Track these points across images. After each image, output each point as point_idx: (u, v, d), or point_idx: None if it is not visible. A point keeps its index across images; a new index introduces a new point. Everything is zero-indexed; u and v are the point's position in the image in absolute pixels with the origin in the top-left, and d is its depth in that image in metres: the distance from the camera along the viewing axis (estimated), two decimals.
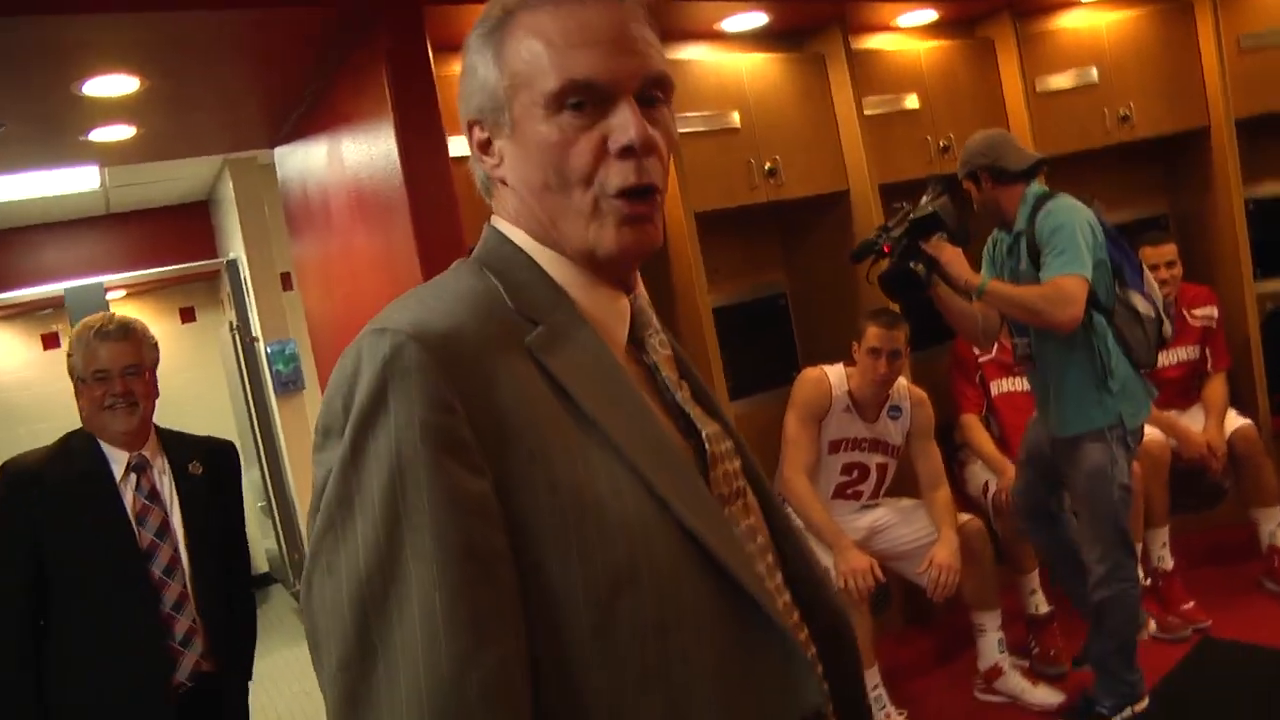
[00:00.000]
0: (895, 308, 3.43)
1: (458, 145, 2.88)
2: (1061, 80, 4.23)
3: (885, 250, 2.90)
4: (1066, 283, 2.86)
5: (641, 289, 1.02)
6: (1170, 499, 3.88)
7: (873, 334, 3.27)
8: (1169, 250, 3.92)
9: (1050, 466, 3.25)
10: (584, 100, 0.90)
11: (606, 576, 0.84)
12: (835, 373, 3.40)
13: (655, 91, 0.94)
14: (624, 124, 0.90)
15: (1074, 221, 2.96)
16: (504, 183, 0.97)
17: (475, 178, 1.01)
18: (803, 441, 3.33)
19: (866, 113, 3.75)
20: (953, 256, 2.91)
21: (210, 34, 2.58)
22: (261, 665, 5.46)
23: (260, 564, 7.41)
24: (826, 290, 3.95)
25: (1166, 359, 3.99)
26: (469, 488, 0.81)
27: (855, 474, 3.43)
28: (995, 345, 3.74)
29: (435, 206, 2.74)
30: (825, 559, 3.13)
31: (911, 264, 2.90)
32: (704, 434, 0.97)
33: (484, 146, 0.97)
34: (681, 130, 3.33)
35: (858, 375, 3.35)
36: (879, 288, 2.97)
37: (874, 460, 3.43)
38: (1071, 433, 3.05)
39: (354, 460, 0.82)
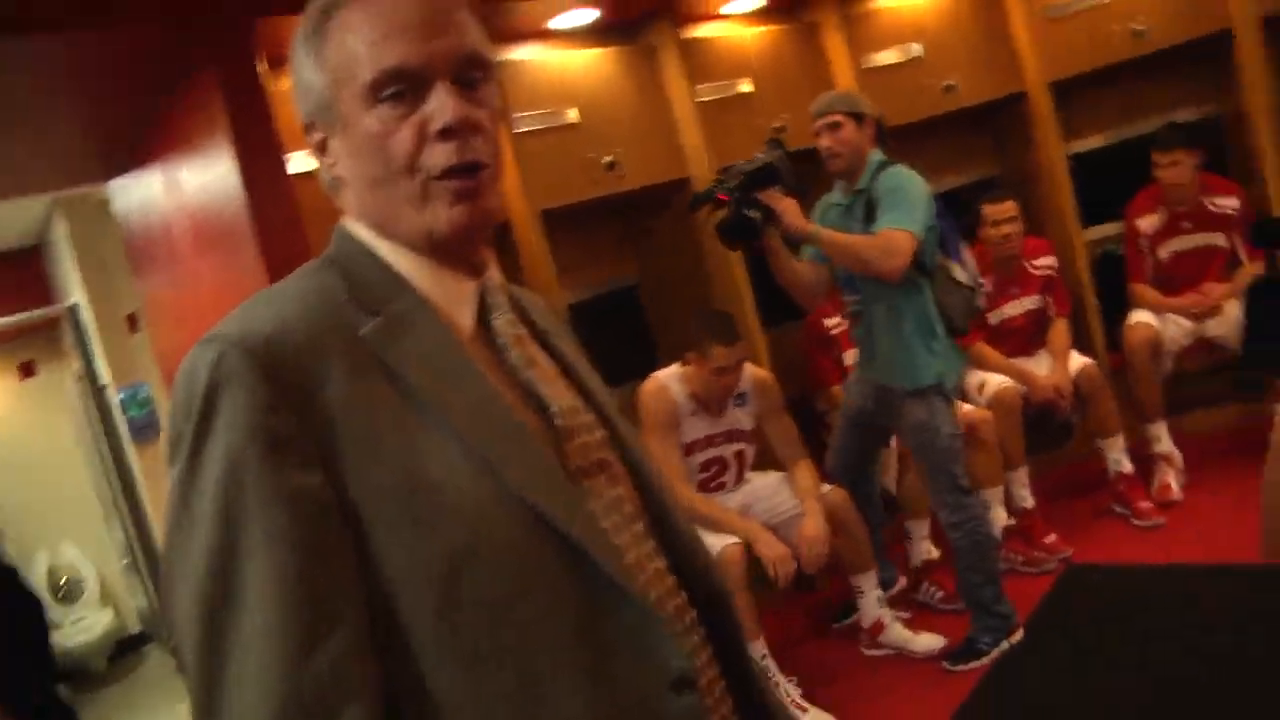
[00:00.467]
0: (736, 254, 3.52)
1: (298, 162, 2.90)
2: (888, 56, 4.46)
3: (722, 199, 3.01)
4: (895, 235, 3.06)
5: (495, 271, 1.06)
6: (1025, 441, 4.14)
7: (719, 354, 3.29)
8: (1010, 206, 4.17)
9: (871, 425, 3.50)
10: (400, 89, 0.93)
11: (445, 557, 0.88)
12: (673, 378, 3.42)
13: (473, 73, 0.97)
14: (441, 107, 0.93)
15: (914, 185, 3.18)
16: (343, 180, 1.00)
17: (322, 180, 1.04)
18: (671, 458, 3.34)
19: (700, 100, 3.88)
20: (787, 206, 3.05)
21: (27, 62, 2.54)
22: None
23: (132, 624, 7.16)
24: (677, 278, 4.07)
25: (1014, 309, 4.30)
26: (298, 483, 0.86)
27: (715, 469, 3.50)
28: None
29: (281, 227, 2.74)
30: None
31: (747, 212, 3.01)
32: (552, 409, 1.00)
33: (321, 147, 1.01)
34: (519, 130, 3.42)
35: (698, 380, 3.39)
36: (718, 237, 3.06)
37: (730, 450, 3.50)
38: (901, 384, 3.28)
39: (191, 467, 0.87)
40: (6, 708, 2.42)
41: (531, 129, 3.49)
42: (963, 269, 3.34)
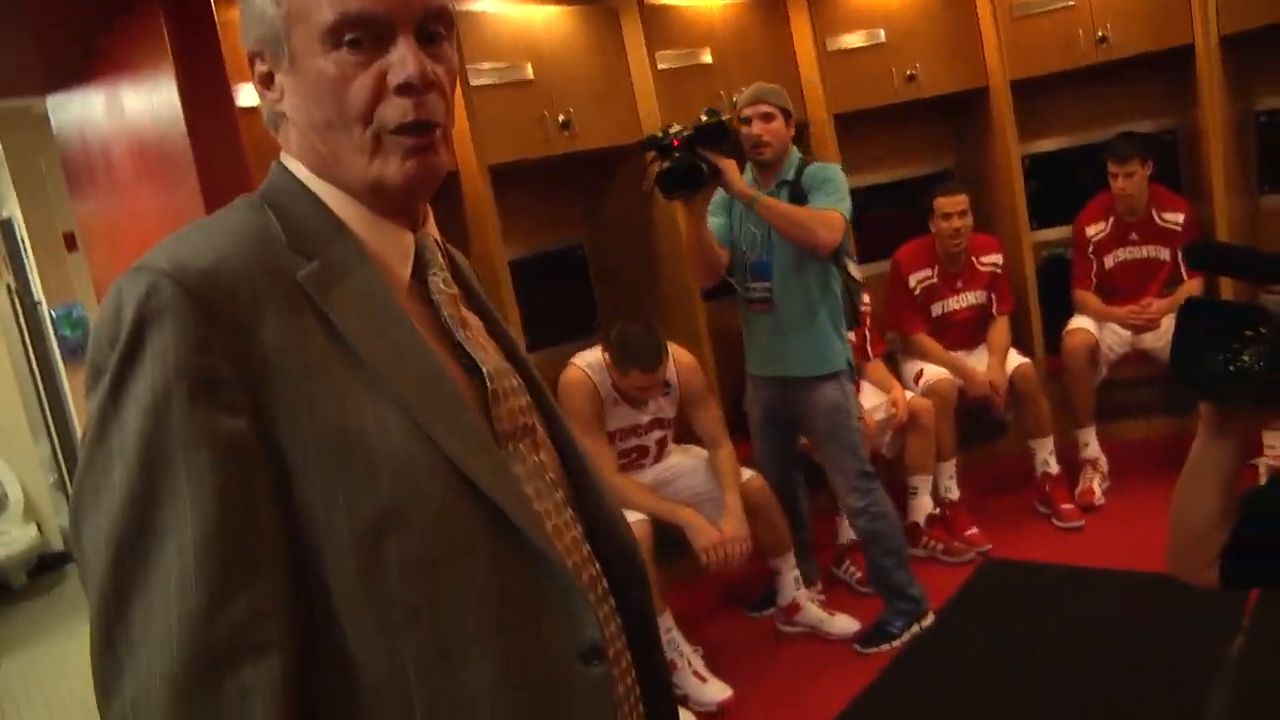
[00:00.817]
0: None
1: (245, 95, 2.83)
2: (852, 40, 4.46)
3: (674, 144, 3.01)
4: (833, 214, 3.19)
5: (432, 226, 1.04)
6: (957, 433, 4.23)
7: (638, 378, 3.23)
8: (961, 200, 4.20)
9: (784, 425, 3.55)
10: (360, 36, 0.91)
11: (372, 516, 0.87)
12: (595, 366, 3.33)
13: (436, 27, 0.95)
14: (402, 60, 0.91)
15: (843, 178, 3.30)
16: (285, 117, 0.97)
17: (263, 113, 1.01)
18: (598, 446, 3.28)
19: (660, 67, 3.85)
20: (730, 166, 3.09)
21: None
22: (59, 647, 5.30)
23: (56, 541, 7.09)
24: (624, 242, 4.06)
25: (957, 303, 4.35)
26: (225, 427, 0.83)
27: (634, 455, 3.50)
28: None
29: (222, 160, 2.70)
30: None
31: (698, 161, 3.02)
32: (485, 370, 1.00)
33: (265, 80, 0.97)
34: (474, 82, 3.36)
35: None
36: (658, 185, 3.04)
37: (652, 439, 3.50)
38: (813, 373, 3.35)
39: (113, 399, 0.84)
40: None
41: (487, 82, 3.44)
42: (856, 266, 3.52)
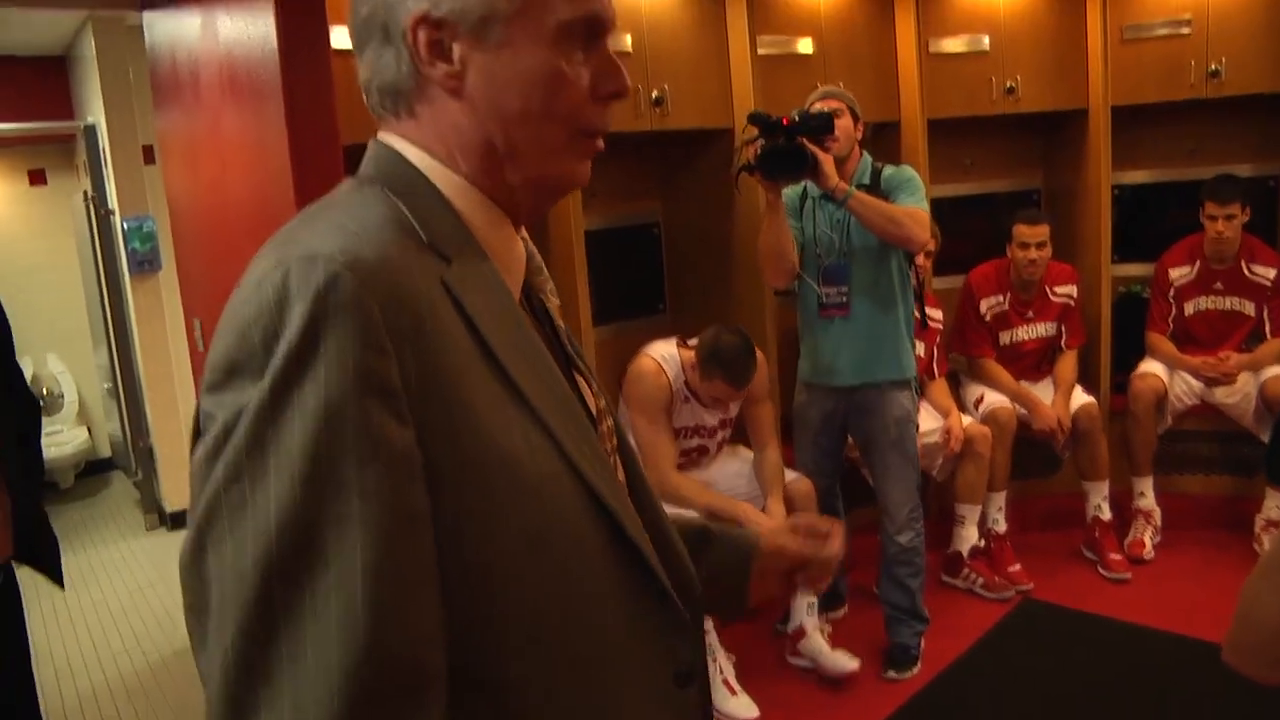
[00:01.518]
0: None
1: (340, 37, 2.80)
2: (954, 44, 4.33)
3: (784, 123, 2.95)
4: (921, 212, 3.16)
5: (524, 231, 0.98)
6: (1011, 465, 4.11)
7: (722, 391, 3.20)
8: (1042, 231, 4.07)
9: (844, 432, 3.47)
10: (588, 37, 0.88)
11: (520, 538, 0.82)
12: (671, 360, 3.29)
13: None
14: (617, 71, 0.90)
15: (922, 183, 3.25)
16: (455, 95, 0.88)
17: (373, 78, 0.90)
18: (661, 439, 3.24)
19: (760, 52, 3.76)
20: (828, 160, 3.02)
21: None
22: (97, 556, 5.38)
23: (103, 448, 7.19)
24: (700, 225, 3.98)
25: (1026, 333, 4.22)
26: (396, 440, 0.75)
27: (695, 454, 3.45)
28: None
29: (312, 99, 2.66)
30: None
31: (803, 147, 2.95)
32: (592, 389, 0.97)
33: (435, 48, 0.87)
34: (770, 51, 3.39)
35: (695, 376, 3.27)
36: (759, 165, 2.96)
37: (715, 441, 3.44)
38: (889, 378, 3.29)
39: (274, 406, 0.73)
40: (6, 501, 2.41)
41: None
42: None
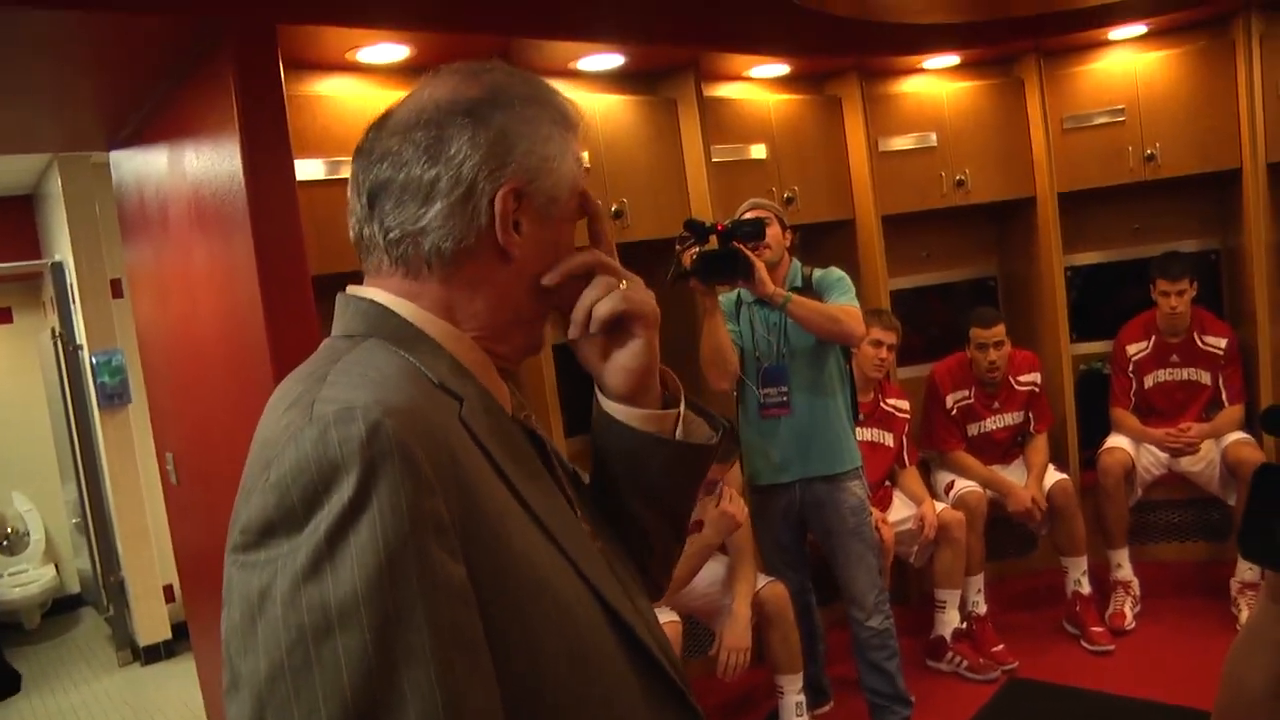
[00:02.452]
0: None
1: (305, 168, 2.93)
2: (903, 142, 4.48)
3: (719, 229, 3.02)
4: (855, 309, 3.29)
5: None
6: (986, 545, 4.16)
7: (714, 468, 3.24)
8: (998, 330, 4.16)
9: (803, 528, 3.50)
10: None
11: (563, 659, 0.84)
12: None
13: None
14: (582, 254, 1.03)
15: (851, 283, 3.38)
16: (507, 258, 0.95)
17: (420, 232, 0.93)
18: None
19: (715, 160, 3.86)
20: (761, 266, 3.10)
21: (48, 32, 2.51)
22: (69, 698, 5.25)
23: (71, 584, 7.05)
24: (665, 334, 3.98)
25: (994, 423, 4.30)
26: (453, 575, 0.77)
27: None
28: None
29: (279, 228, 2.71)
30: None
31: (739, 252, 3.03)
32: (582, 511, 1.02)
33: (514, 215, 0.95)
34: (724, 159, 3.48)
35: None
36: (696, 270, 3.00)
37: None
38: (838, 470, 3.34)
39: (328, 560, 0.74)
40: None
41: None
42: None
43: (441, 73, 0.98)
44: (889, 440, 4.02)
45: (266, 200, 2.69)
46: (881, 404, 4.00)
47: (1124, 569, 4.24)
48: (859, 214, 4.37)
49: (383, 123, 0.97)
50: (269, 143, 2.69)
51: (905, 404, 4.09)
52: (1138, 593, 4.24)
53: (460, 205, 0.92)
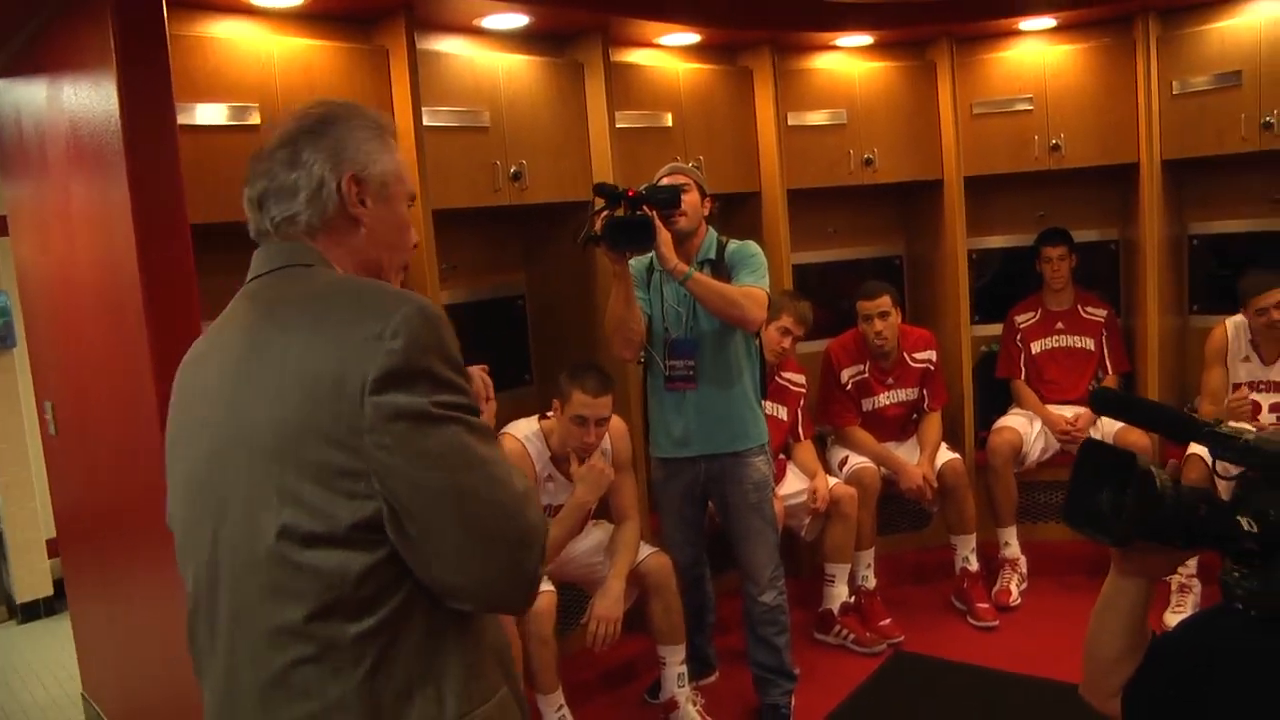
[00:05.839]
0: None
1: (205, 113, 2.88)
2: (814, 117, 4.51)
3: (629, 195, 2.98)
4: (760, 292, 3.22)
5: None
6: (878, 521, 4.25)
7: (579, 401, 3.19)
8: (882, 302, 4.19)
9: (704, 503, 3.51)
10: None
11: None
12: (531, 437, 3.32)
13: None
14: (414, 231, 1.48)
15: (764, 258, 3.34)
16: (360, 225, 1.38)
17: (303, 210, 1.35)
18: None
19: (619, 126, 3.83)
20: (668, 238, 3.05)
21: None
22: None
23: None
24: (565, 297, 4.00)
25: (888, 398, 4.35)
26: None
27: None
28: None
29: (157, 173, 2.63)
30: None
31: (650, 219, 2.98)
32: None
33: (358, 195, 1.38)
34: (431, 124, 3.33)
35: (558, 434, 3.30)
36: (606, 235, 2.97)
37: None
38: (742, 447, 3.34)
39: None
40: None
41: (442, 124, 3.40)
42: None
43: (288, 114, 1.42)
44: (783, 414, 4.07)
45: (144, 143, 2.61)
46: (777, 378, 4.04)
47: (1012, 547, 4.36)
48: (765, 187, 4.39)
49: (258, 154, 1.39)
50: (149, 82, 2.61)
51: (801, 378, 4.14)
52: (1025, 570, 4.36)
53: (316, 192, 1.36)
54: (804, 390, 4.14)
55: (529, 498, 1.26)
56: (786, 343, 3.89)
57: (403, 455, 1.16)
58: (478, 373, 1.59)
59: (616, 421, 3.40)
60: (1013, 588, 4.28)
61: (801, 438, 4.14)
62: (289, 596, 1.20)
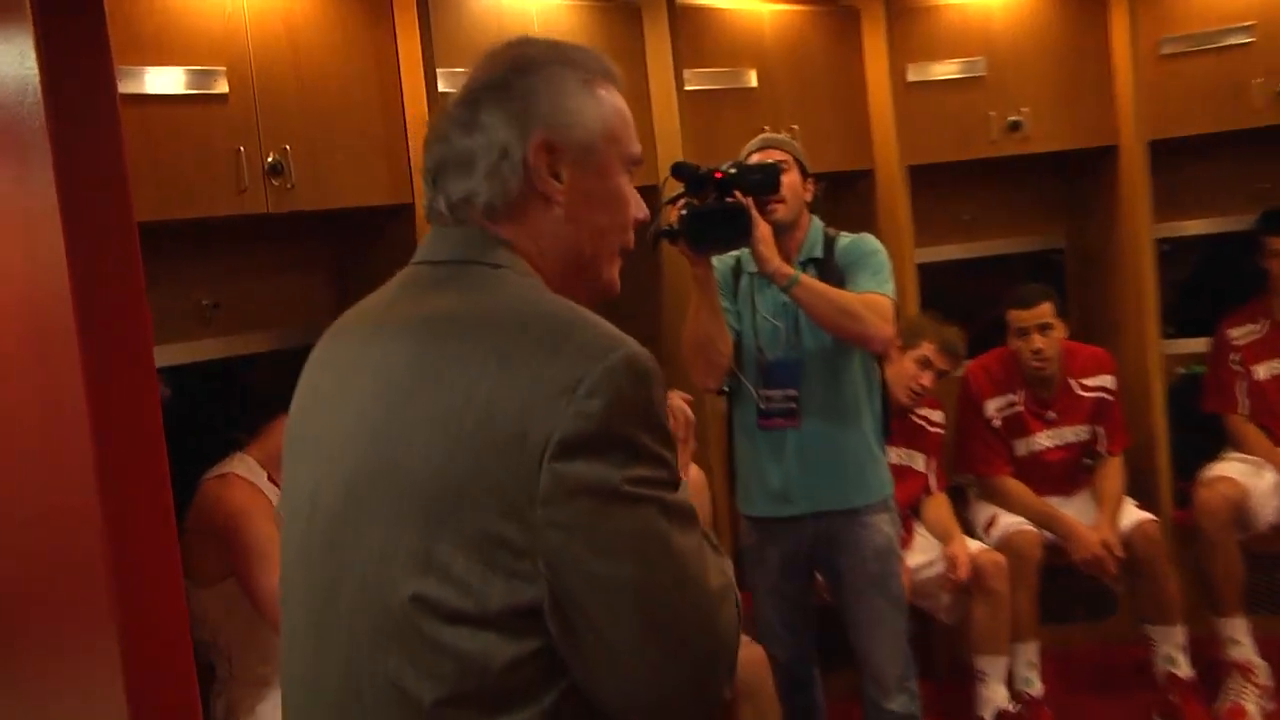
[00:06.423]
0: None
1: (157, 80, 2.89)
2: (941, 70, 4.55)
3: (715, 177, 3.00)
4: (884, 300, 3.22)
5: None
6: (1041, 607, 4.16)
7: None
8: (1042, 311, 4.17)
9: (810, 577, 3.52)
10: (633, 171, 1.49)
11: None
12: None
13: None
14: (640, 201, 1.50)
15: (887, 256, 3.36)
16: (554, 204, 1.41)
17: (479, 190, 1.39)
18: None
19: (688, 88, 3.89)
20: (768, 234, 3.08)
21: None
22: None
23: None
24: (623, 308, 3.97)
25: (1050, 439, 4.31)
26: None
27: None
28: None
29: (93, 156, 2.61)
30: None
31: (743, 208, 2.99)
32: None
33: (550, 165, 1.40)
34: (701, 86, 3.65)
35: None
36: (685, 230, 2.98)
37: None
38: (861, 503, 3.34)
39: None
40: None
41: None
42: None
43: (484, 56, 1.45)
44: (918, 463, 4.10)
45: (75, 118, 2.59)
46: (910, 415, 4.07)
47: (1242, 646, 4.16)
48: (878, 163, 4.43)
49: (437, 114, 1.47)
50: (80, 38, 2.60)
51: (939, 414, 4.16)
52: (1266, 681, 4.16)
53: (497, 165, 1.38)
54: (942, 430, 4.15)
55: (725, 599, 1.30)
56: (926, 379, 3.91)
57: (580, 539, 1.19)
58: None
59: (694, 472, 3.40)
60: (1248, 705, 4.09)
61: (933, 490, 4.15)
62: (418, 675, 1.23)
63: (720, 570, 1.32)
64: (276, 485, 3.04)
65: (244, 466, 3.09)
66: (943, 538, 4.08)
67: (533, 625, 1.21)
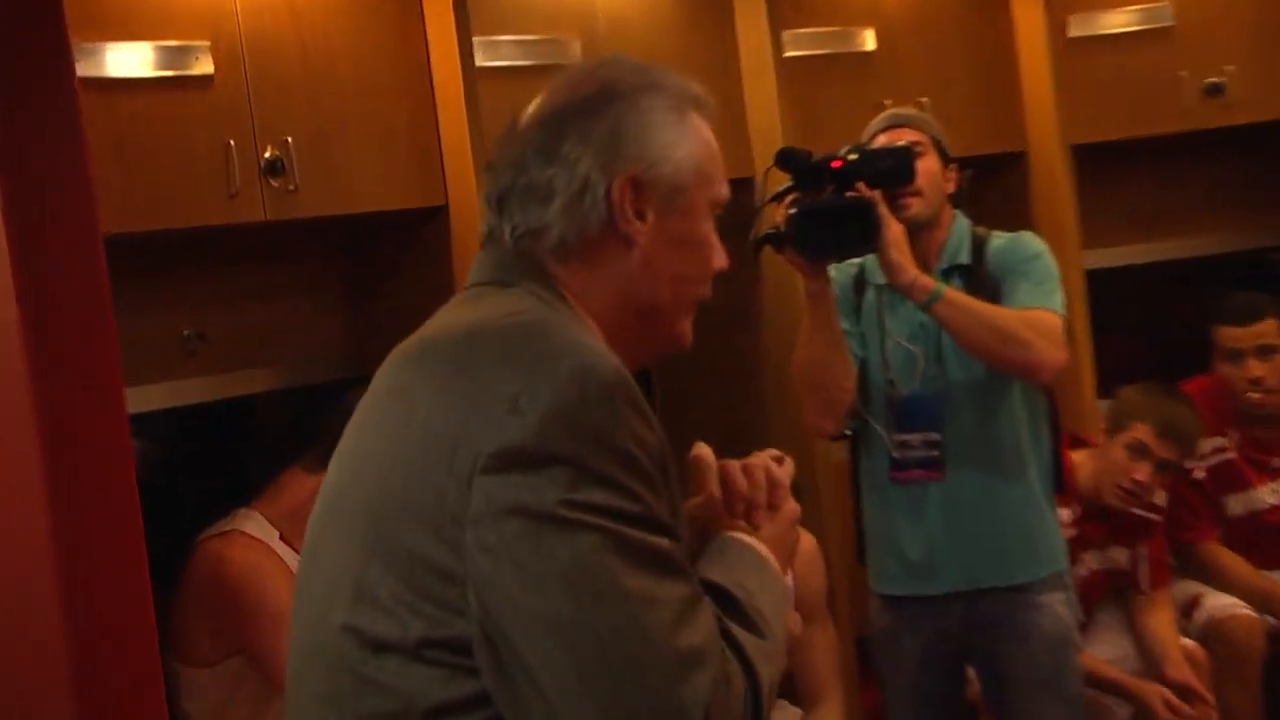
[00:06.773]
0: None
1: (120, 59, 2.89)
2: (1113, 21, 4.48)
3: (834, 166, 2.94)
4: (1053, 318, 3.15)
5: None
6: (1266, 711, 4.06)
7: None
8: (1265, 329, 4.09)
9: (960, 668, 3.44)
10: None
11: None
12: None
13: None
14: (723, 253, 1.58)
15: (1053, 261, 3.31)
16: (634, 246, 1.48)
17: (553, 224, 1.45)
18: None
19: (788, 54, 3.92)
20: (901, 236, 3.01)
21: None
22: None
23: None
24: (704, 329, 3.97)
25: (1271, 494, 4.22)
26: None
27: None
28: None
29: (45, 155, 2.67)
30: None
31: (869, 204, 2.93)
32: None
33: (635, 205, 1.46)
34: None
35: None
36: (795, 235, 2.94)
37: None
38: (1026, 579, 3.25)
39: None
40: None
41: (525, 64, 3.51)
42: None
43: (561, 76, 1.56)
44: (1121, 558, 3.95)
45: (23, 107, 2.64)
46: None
47: None
48: (1033, 143, 4.39)
49: (508, 134, 1.52)
50: (27, 9, 2.66)
51: (1160, 495, 3.94)
52: None
53: (578, 199, 1.45)
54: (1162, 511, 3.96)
55: (699, 665, 1.26)
56: (1142, 472, 3.70)
57: (509, 566, 1.23)
58: (761, 465, 1.62)
59: (805, 540, 3.31)
60: None
61: (1145, 589, 3.97)
62: (342, 715, 1.32)
63: (708, 632, 1.29)
64: (291, 547, 3.10)
65: (251, 524, 3.14)
66: (1155, 655, 3.90)
67: (465, 666, 1.26)
